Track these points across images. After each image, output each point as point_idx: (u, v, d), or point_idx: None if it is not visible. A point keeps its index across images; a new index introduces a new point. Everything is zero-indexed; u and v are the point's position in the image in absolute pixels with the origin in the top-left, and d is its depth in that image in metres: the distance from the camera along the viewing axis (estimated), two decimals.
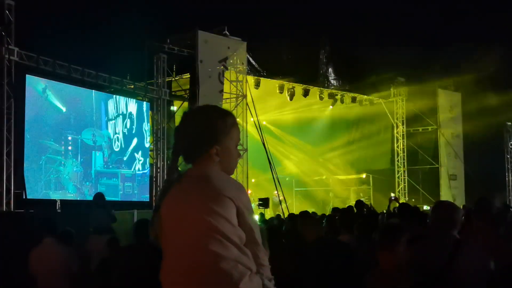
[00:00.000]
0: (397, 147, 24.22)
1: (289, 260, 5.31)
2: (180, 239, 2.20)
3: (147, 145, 16.63)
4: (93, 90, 15.02)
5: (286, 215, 13.41)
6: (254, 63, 18.65)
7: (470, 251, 3.90)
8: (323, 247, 4.97)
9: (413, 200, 22.87)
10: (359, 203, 11.23)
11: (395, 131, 24.32)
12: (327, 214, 11.15)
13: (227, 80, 17.62)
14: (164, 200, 2.28)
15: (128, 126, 15.99)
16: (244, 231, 2.23)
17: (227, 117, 2.39)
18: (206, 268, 2.13)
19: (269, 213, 18.13)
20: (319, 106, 23.63)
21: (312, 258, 4.95)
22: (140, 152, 16.30)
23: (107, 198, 11.56)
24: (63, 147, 14.05)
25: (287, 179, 24.50)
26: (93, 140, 14.85)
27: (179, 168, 2.36)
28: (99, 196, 10.75)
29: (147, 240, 5.50)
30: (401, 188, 23.90)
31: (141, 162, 16.28)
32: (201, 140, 2.30)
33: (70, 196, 14.10)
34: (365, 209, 10.85)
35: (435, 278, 3.71)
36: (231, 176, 2.38)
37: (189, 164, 2.35)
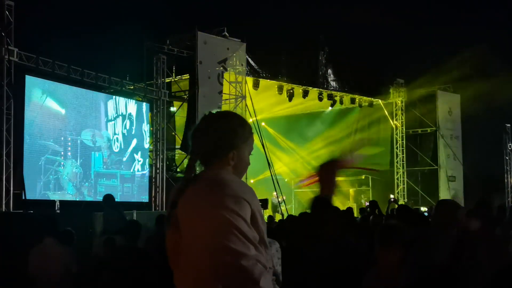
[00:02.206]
0: (396, 148, 24.24)
1: (291, 261, 5.32)
2: (198, 238, 2.24)
3: (146, 146, 16.63)
4: (93, 91, 15.02)
5: (286, 216, 13.40)
6: (253, 64, 18.65)
7: (472, 250, 3.92)
8: (331, 247, 4.95)
9: (412, 201, 22.89)
10: (373, 203, 11.20)
11: (394, 132, 24.34)
12: None
13: (226, 81, 17.63)
14: (181, 200, 2.32)
15: (127, 127, 16.00)
16: (257, 234, 2.30)
17: (247, 125, 2.51)
18: (228, 266, 2.19)
19: (268, 214, 18.11)
20: (318, 107, 23.65)
21: (319, 258, 4.94)
22: (139, 153, 16.30)
23: None
24: (62, 148, 14.05)
25: (285, 180, 24.52)
26: (93, 141, 14.86)
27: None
28: (108, 198, 10.71)
29: (137, 241, 5.52)
30: (400, 189, 23.91)
31: (140, 163, 16.28)
32: (222, 144, 2.40)
33: (69, 197, 14.09)
34: (377, 210, 10.83)
35: (437, 276, 3.73)
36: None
37: (205, 166, 2.41)
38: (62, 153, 14.05)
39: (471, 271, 3.77)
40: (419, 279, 3.59)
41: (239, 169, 2.45)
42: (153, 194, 16.44)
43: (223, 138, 2.40)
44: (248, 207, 2.26)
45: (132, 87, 16.55)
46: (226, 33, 17.40)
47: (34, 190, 13.22)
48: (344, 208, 12.66)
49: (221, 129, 2.42)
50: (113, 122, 15.50)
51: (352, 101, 22.87)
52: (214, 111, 2.51)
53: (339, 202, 23.37)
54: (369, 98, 23.33)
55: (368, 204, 13.63)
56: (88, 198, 14.49)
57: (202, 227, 2.23)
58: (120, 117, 15.77)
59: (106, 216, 10.36)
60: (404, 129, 24.12)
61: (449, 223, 4.15)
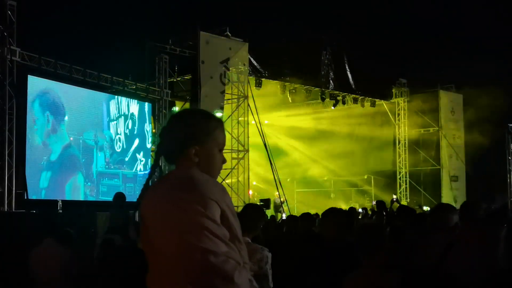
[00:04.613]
0: (399, 148, 24.22)
1: (293, 261, 5.31)
2: (166, 239, 2.19)
3: (148, 145, 16.63)
4: (95, 91, 15.03)
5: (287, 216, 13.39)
6: (255, 64, 18.65)
7: (461, 253, 3.93)
8: (331, 248, 4.93)
9: (415, 201, 22.87)
10: (380, 203, 11.12)
11: (396, 132, 24.32)
12: None
13: (229, 81, 17.63)
14: (145, 200, 2.28)
15: (129, 126, 16.00)
16: (228, 231, 2.24)
17: (211, 119, 2.40)
18: (197, 264, 2.14)
19: (270, 214, 18.12)
20: (321, 107, 23.64)
21: (319, 258, 4.92)
22: (141, 153, 16.31)
23: (109, 198, 11.54)
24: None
25: (288, 180, 24.51)
26: (95, 141, 14.86)
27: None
28: (117, 196, 10.70)
29: (135, 241, 5.51)
30: (403, 189, 23.89)
31: (142, 162, 16.29)
32: (180, 139, 2.32)
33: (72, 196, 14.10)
34: (384, 210, 10.75)
35: (426, 278, 3.73)
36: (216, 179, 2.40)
37: (171, 164, 2.36)
38: None
39: (457, 274, 3.77)
40: (404, 282, 3.57)
41: (207, 166, 2.33)
42: None
43: (181, 133, 2.32)
44: (216, 206, 2.20)
45: (134, 87, 16.56)
46: (228, 33, 17.39)
47: (37, 190, 13.22)
48: (347, 208, 12.70)
49: (180, 125, 2.35)
50: (115, 122, 15.50)
51: (355, 101, 22.85)
52: (178, 110, 2.49)
53: (341, 202, 23.38)
54: (372, 98, 23.32)
55: (375, 203, 13.62)
56: (91, 198, 14.50)
57: (169, 228, 2.18)
58: (122, 117, 15.78)
59: (110, 215, 10.36)
60: (406, 129, 24.09)
61: (442, 226, 4.21)
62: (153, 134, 16.89)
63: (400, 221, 6.74)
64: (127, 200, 14.72)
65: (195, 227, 2.15)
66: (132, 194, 15.95)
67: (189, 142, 2.30)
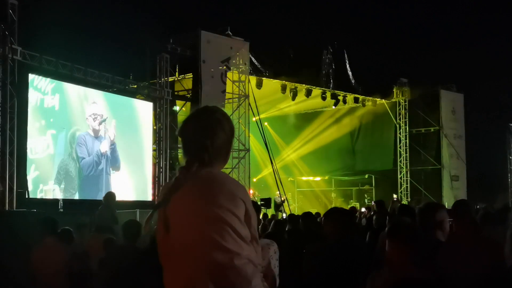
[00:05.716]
0: (400, 147, 24.22)
1: (293, 261, 5.32)
2: (192, 235, 2.25)
3: (149, 145, 16.61)
4: (96, 90, 15.02)
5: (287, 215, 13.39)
6: (256, 63, 18.64)
7: (450, 253, 3.94)
8: (333, 246, 4.94)
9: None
10: (379, 203, 11.12)
11: (397, 132, 24.32)
12: None
13: (230, 80, 17.64)
14: (174, 198, 2.30)
15: (130, 126, 15.99)
16: (249, 231, 2.34)
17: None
18: (221, 265, 2.21)
19: (271, 214, 18.14)
20: (322, 106, 23.65)
21: (329, 258, 4.93)
22: (142, 152, 16.29)
23: None
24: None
25: (289, 179, 24.53)
26: (96, 139, 14.85)
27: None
28: (107, 195, 10.79)
29: (136, 240, 5.55)
30: (404, 188, 23.89)
31: (143, 162, 16.27)
32: (225, 148, 2.43)
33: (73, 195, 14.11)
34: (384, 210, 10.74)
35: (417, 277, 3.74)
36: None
37: (200, 163, 2.36)
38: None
39: (447, 274, 3.78)
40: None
41: (225, 164, 2.47)
42: (156, 193, 16.44)
43: (227, 139, 2.41)
44: (243, 205, 2.29)
45: (135, 86, 16.57)
46: (229, 32, 17.40)
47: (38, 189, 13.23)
48: (347, 208, 12.70)
49: (225, 131, 2.40)
50: (115, 120, 15.48)
51: (356, 100, 22.86)
52: (208, 107, 2.47)
53: (342, 201, 23.40)
54: (373, 97, 23.32)
55: (374, 203, 13.61)
56: (90, 197, 14.49)
57: (195, 224, 2.24)
58: (123, 116, 15.77)
59: (98, 214, 10.46)
60: (407, 128, 24.10)
61: (430, 225, 4.22)
62: (154, 133, 16.88)
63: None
64: (130, 199, 14.81)
65: (221, 225, 2.23)
66: (132, 193, 15.96)
67: (230, 147, 2.46)
